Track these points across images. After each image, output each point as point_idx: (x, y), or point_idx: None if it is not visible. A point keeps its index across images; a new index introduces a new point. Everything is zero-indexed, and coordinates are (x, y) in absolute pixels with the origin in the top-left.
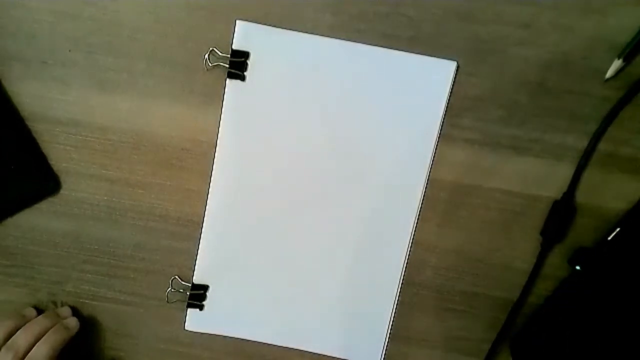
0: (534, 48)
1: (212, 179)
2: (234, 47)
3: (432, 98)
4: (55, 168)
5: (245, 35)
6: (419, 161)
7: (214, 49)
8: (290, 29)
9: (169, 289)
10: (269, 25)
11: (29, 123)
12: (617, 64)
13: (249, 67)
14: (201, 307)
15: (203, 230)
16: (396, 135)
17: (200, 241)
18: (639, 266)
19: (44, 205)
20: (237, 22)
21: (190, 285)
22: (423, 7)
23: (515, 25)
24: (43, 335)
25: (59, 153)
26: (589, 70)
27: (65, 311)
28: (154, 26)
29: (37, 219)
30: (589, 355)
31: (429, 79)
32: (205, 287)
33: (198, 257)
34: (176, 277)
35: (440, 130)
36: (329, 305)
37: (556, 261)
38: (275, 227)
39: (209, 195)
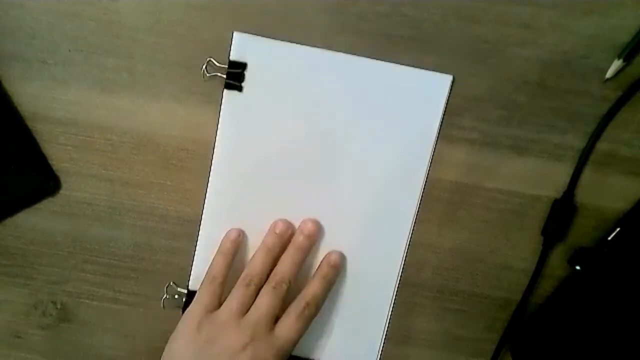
0: (534, 48)
1: (208, 188)
2: (231, 58)
3: (428, 111)
4: (55, 168)
5: (243, 46)
6: (414, 172)
7: (211, 59)
8: (289, 29)
9: (164, 295)
10: (268, 26)
11: (29, 123)
12: (617, 64)
13: (247, 78)
14: None
15: (199, 237)
16: (393, 146)
17: (196, 248)
18: (639, 266)
19: (44, 205)
20: (234, 33)
21: (185, 292)
22: (423, 7)
23: (515, 25)
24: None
25: (59, 153)
26: (588, 70)
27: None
28: (154, 26)
29: (37, 219)
30: (589, 355)
31: (425, 92)
32: None
33: (193, 264)
34: (171, 283)
35: (436, 143)
36: (325, 310)
37: (556, 261)
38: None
39: (205, 204)
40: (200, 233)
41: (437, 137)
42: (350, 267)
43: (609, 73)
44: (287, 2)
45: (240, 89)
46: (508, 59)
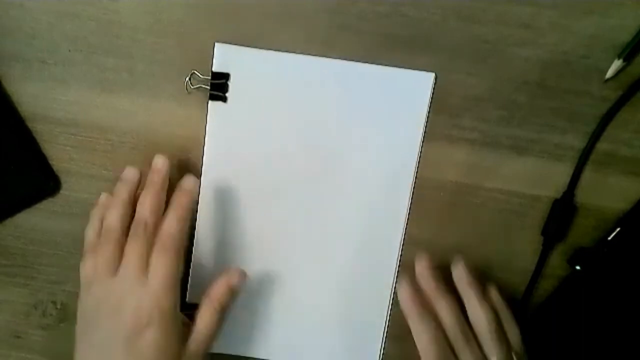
0: (534, 48)
1: (199, 201)
2: (214, 69)
3: (413, 110)
4: (55, 168)
5: (225, 57)
6: (403, 172)
7: (195, 71)
8: (289, 29)
9: None
10: (269, 25)
11: (29, 123)
12: (617, 64)
13: (230, 88)
14: None
15: (194, 249)
16: (380, 148)
17: (192, 260)
18: (639, 266)
19: (44, 205)
20: (216, 44)
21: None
22: (423, 7)
23: (515, 25)
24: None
25: (59, 153)
26: (589, 70)
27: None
28: (154, 26)
29: (37, 219)
30: (590, 355)
31: (409, 92)
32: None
33: (190, 276)
34: None
35: (423, 141)
36: (325, 316)
37: (556, 261)
38: (266, 241)
39: (198, 216)
40: (194, 246)
41: (424, 136)
42: (347, 270)
43: (609, 73)
44: (287, 2)
45: (224, 99)
46: (508, 59)
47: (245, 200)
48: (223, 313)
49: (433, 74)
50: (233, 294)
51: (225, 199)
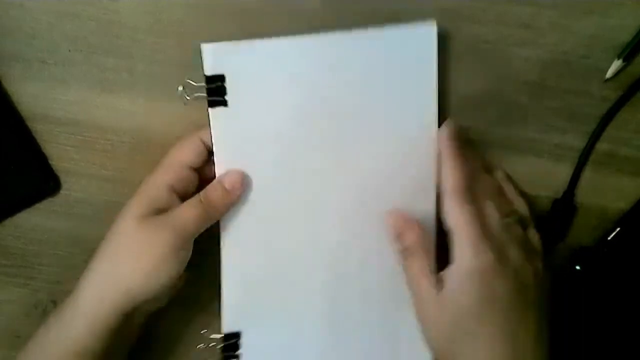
0: (534, 48)
1: (220, 220)
2: (207, 73)
3: (422, 67)
4: (55, 168)
5: (214, 57)
6: (425, 134)
7: (188, 80)
8: (289, 28)
9: (200, 345)
10: (269, 25)
11: (29, 123)
12: (617, 64)
13: (228, 90)
14: (237, 357)
15: (222, 275)
16: (397, 115)
17: (222, 288)
18: (639, 266)
19: (44, 205)
20: (202, 46)
21: (222, 336)
22: (423, 7)
23: (515, 25)
24: None
25: (59, 153)
26: (589, 70)
27: None
28: (154, 26)
29: (37, 219)
30: (589, 355)
31: (414, 48)
32: (237, 335)
33: (223, 304)
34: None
35: (437, 100)
36: (370, 332)
37: (556, 261)
38: (296, 253)
39: (221, 239)
40: (222, 269)
41: (437, 94)
42: (374, 257)
43: (609, 73)
44: (287, 2)
45: (225, 103)
46: (508, 59)
47: (267, 210)
48: (210, 212)
49: (434, 24)
50: (228, 196)
51: (246, 214)
